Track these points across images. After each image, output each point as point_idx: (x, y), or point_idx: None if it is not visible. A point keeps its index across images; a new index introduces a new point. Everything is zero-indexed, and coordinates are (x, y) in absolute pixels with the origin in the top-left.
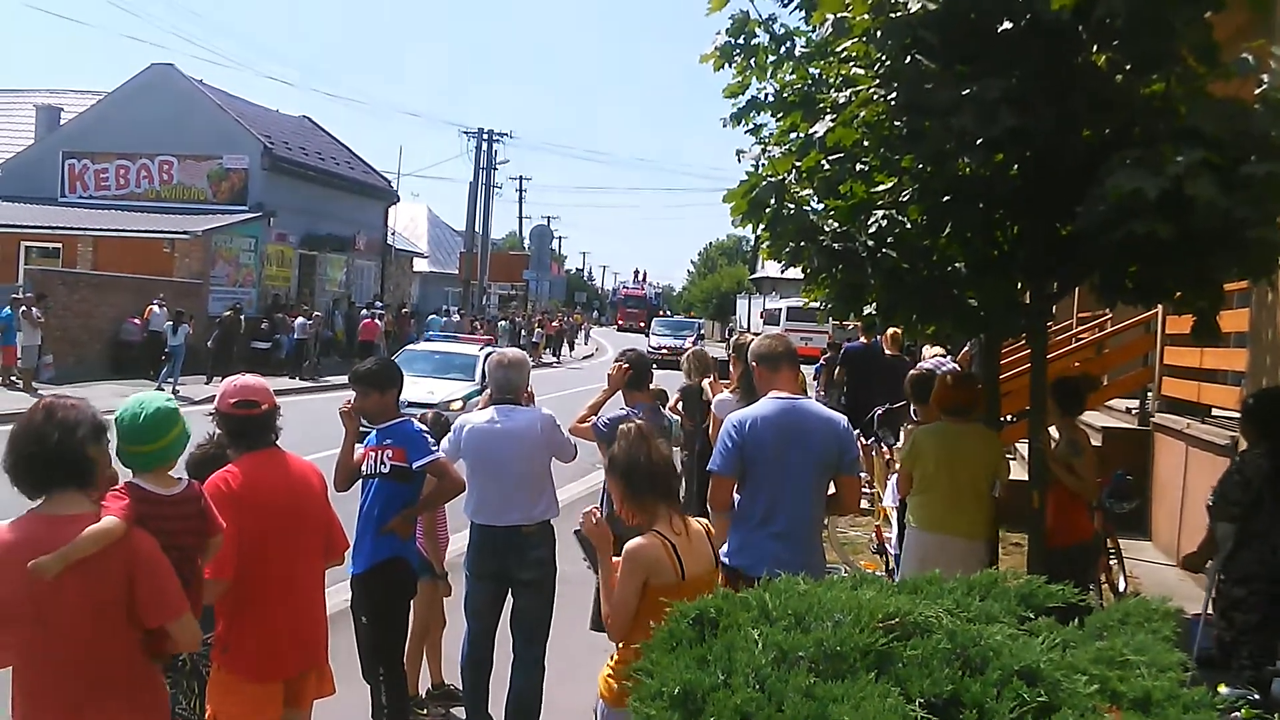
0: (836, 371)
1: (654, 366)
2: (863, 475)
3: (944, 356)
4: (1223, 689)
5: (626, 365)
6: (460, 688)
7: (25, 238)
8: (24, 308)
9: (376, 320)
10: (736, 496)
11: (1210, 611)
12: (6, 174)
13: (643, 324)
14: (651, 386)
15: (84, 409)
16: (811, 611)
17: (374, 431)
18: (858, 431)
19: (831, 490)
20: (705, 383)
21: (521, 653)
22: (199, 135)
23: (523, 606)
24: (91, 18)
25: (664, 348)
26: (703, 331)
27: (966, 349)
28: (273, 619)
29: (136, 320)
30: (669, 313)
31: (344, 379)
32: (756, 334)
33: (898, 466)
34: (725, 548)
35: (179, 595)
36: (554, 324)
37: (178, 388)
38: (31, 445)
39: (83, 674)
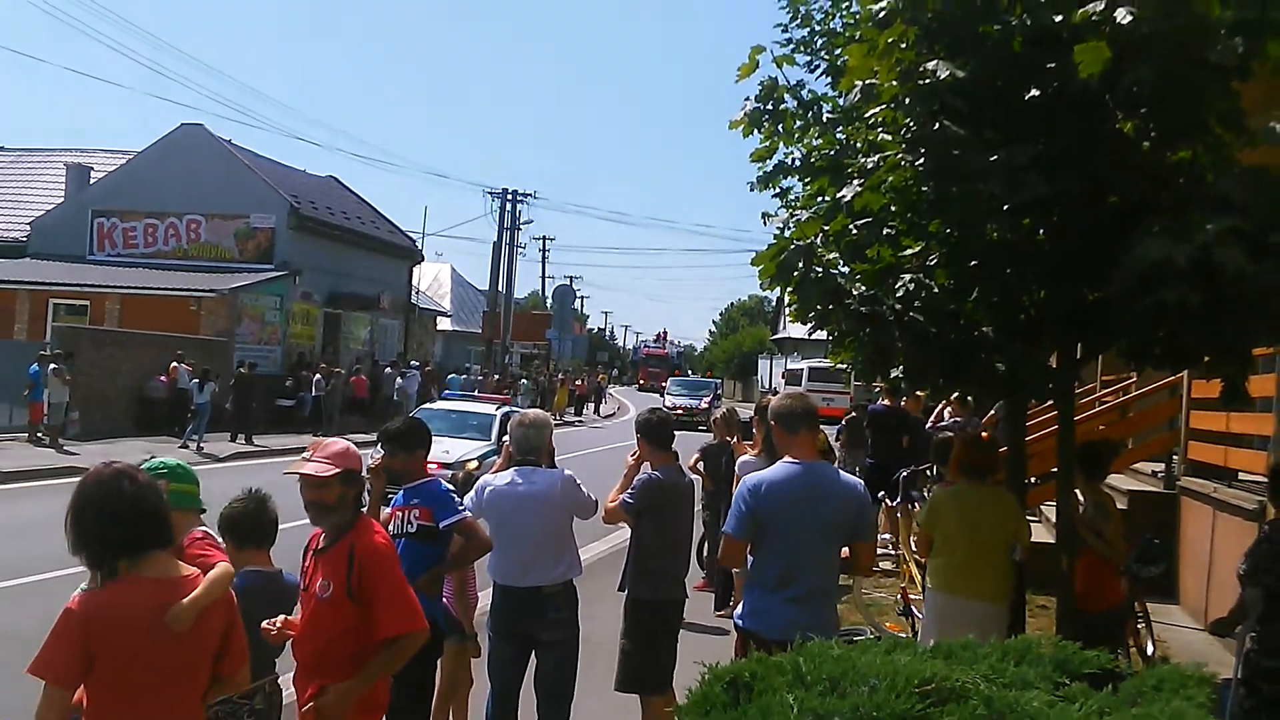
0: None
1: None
2: (886, 536)
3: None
4: None
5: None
6: None
7: (54, 295)
8: (52, 365)
9: (400, 378)
10: (750, 557)
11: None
12: (36, 232)
13: (664, 383)
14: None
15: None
16: (847, 676)
17: (401, 491)
18: (883, 493)
19: (846, 554)
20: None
21: (545, 713)
22: (227, 194)
23: (545, 667)
24: (122, 78)
25: (680, 407)
26: (720, 391)
27: (993, 411)
28: None
29: (163, 378)
30: (691, 372)
31: (365, 437)
32: (778, 392)
33: (916, 528)
34: (738, 610)
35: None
36: (581, 383)
37: (202, 445)
38: (129, 511)
39: None
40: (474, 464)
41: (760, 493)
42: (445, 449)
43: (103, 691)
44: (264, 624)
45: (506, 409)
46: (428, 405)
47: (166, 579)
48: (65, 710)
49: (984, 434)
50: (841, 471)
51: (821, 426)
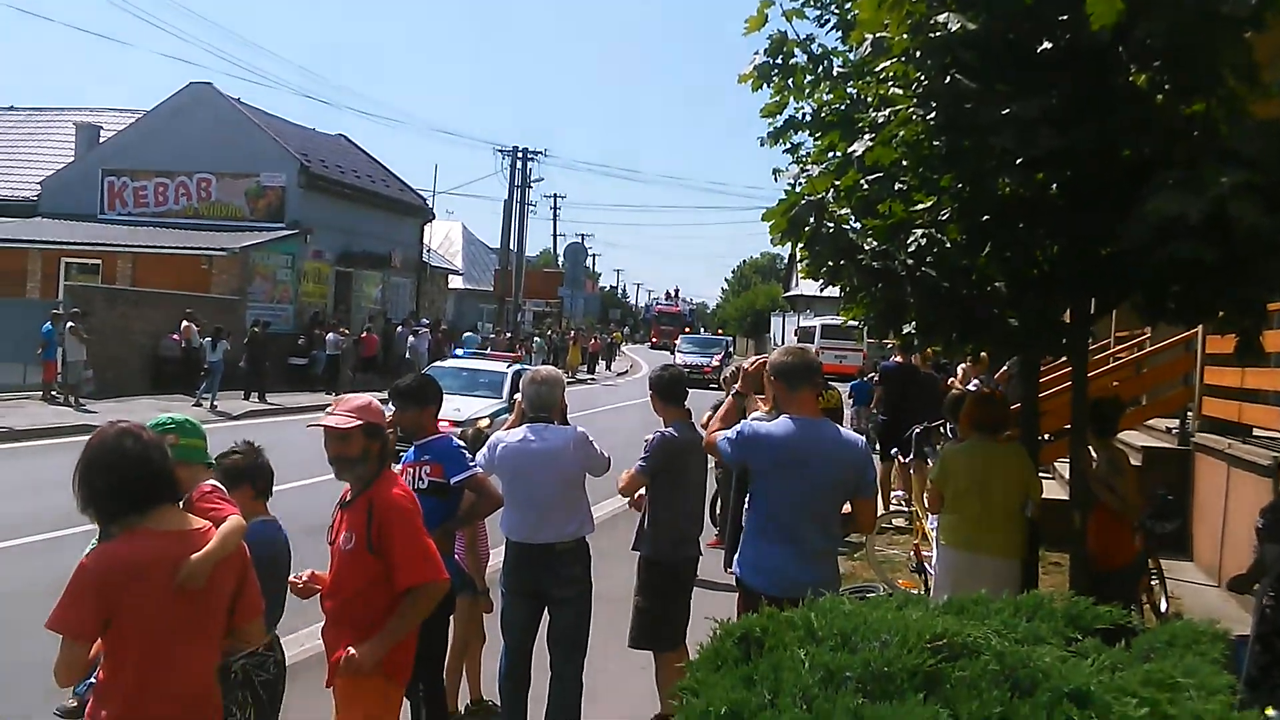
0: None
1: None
2: (900, 493)
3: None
4: (1270, 711)
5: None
6: (499, 704)
7: (66, 254)
8: (69, 323)
9: (411, 336)
10: (749, 512)
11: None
12: (47, 191)
13: (676, 341)
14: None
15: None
16: (858, 632)
17: (412, 448)
18: (895, 450)
19: (847, 509)
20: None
21: (559, 669)
22: (237, 153)
23: (559, 624)
24: (130, 37)
25: (691, 365)
26: (731, 349)
27: (1005, 367)
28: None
29: (176, 336)
30: (703, 330)
31: (378, 395)
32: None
33: (929, 484)
34: (737, 560)
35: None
36: (595, 341)
37: (215, 403)
38: (134, 468)
39: (172, 691)
40: (485, 422)
41: (758, 437)
42: (456, 407)
43: (120, 644)
44: (290, 578)
45: (518, 366)
46: (439, 363)
47: (177, 531)
48: (83, 664)
49: (996, 390)
50: (841, 428)
51: (834, 384)
